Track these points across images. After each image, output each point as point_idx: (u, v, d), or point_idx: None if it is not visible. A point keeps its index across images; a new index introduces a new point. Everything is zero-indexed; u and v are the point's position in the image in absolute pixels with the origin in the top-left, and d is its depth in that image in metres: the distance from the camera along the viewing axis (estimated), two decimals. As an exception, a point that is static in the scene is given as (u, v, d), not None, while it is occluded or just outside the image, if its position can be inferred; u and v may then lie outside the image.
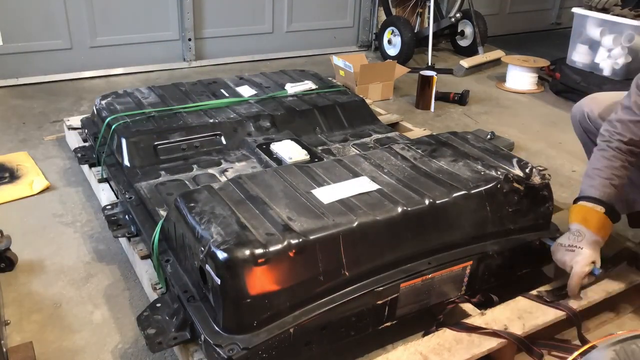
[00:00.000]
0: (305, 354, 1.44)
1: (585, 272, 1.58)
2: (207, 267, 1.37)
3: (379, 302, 1.51)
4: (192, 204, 1.55)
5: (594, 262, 1.59)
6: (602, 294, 1.68)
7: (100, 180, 2.32)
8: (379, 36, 4.74)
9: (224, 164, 2.27)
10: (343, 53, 4.39)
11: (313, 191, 1.62)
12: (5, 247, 1.92)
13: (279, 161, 2.21)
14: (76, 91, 3.72)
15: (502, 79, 4.21)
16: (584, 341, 1.60)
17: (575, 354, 1.20)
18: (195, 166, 2.24)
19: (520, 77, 4.05)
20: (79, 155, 2.50)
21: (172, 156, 2.29)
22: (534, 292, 1.68)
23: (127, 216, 2.02)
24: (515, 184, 1.74)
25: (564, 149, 3.08)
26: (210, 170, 2.21)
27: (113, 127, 2.34)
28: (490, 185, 1.71)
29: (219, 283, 1.33)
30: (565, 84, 3.86)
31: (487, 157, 1.88)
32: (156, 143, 2.29)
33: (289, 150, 2.25)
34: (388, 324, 1.57)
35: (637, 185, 1.86)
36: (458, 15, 4.66)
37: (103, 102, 2.60)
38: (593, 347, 1.13)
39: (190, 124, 2.40)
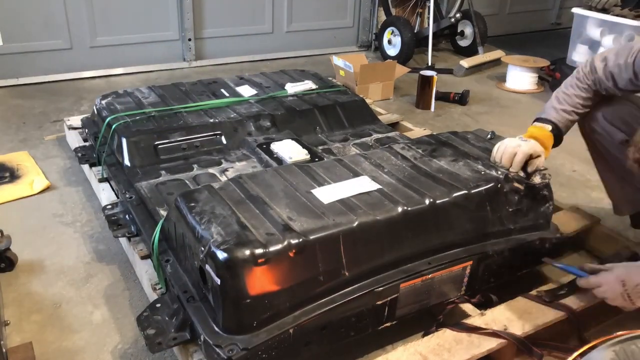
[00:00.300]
0: (305, 354, 1.44)
1: (529, 151, 1.71)
2: (207, 267, 1.37)
3: (379, 303, 1.51)
4: (193, 204, 1.54)
5: (539, 156, 1.73)
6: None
7: (101, 180, 2.32)
8: (379, 36, 4.74)
9: (224, 164, 2.27)
10: (343, 53, 4.39)
11: (313, 191, 1.62)
12: (5, 247, 1.92)
13: (279, 161, 2.21)
14: (76, 91, 3.72)
15: (502, 79, 4.21)
16: (583, 341, 1.59)
17: (575, 354, 1.20)
18: (195, 166, 2.24)
19: (520, 77, 4.05)
20: (79, 154, 2.50)
21: (173, 156, 2.29)
22: (534, 292, 1.68)
23: (127, 216, 2.02)
24: (516, 184, 1.74)
25: (564, 149, 3.05)
26: (211, 170, 2.21)
27: (113, 126, 2.34)
28: (491, 185, 1.71)
29: (219, 283, 1.33)
30: (565, 84, 3.86)
31: (488, 156, 1.87)
32: (156, 143, 2.29)
33: (289, 150, 2.25)
34: (388, 324, 1.57)
35: None
36: (458, 15, 4.66)
37: (103, 101, 2.60)
38: (593, 347, 1.13)
39: (191, 123, 2.40)
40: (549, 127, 1.81)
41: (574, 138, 2.07)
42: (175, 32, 4.19)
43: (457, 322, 1.58)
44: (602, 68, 1.74)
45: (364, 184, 1.66)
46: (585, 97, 1.81)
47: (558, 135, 1.82)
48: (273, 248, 1.36)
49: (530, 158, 1.74)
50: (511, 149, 1.75)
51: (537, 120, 1.86)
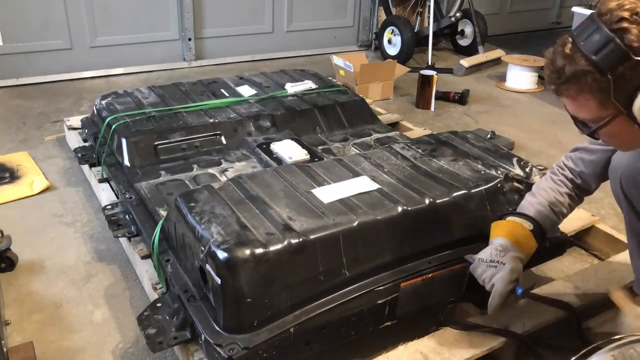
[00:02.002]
0: (305, 354, 1.44)
1: (507, 291, 1.45)
2: (208, 266, 1.37)
3: (379, 302, 1.51)
4: (192, 204, 1.55)
5: (517, 280, 1.46)
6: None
7: (101, 180, 2.32)
8: (379, 36, 4.73)
9: (224, 164, 2.27)
10: (343, 53, 4.38)
11: (313, 191, 1.62)
12: (5, 247, 1.92)
13: (279, 161, 2.21)
14: (76, 91, 3.72)
15: (502, 78, 4.21)
16: (583, 340, 1.59)
17: (573, 359, 1.19)
18: (195, 166, 2.24)
19: (521, 76, 4.05)
20: (79, 155, 2.50)
21: (172, 156, 2.29)
22: (534, 291, 1.68)
23: (127, 216, 2.02)
24: (516, 183, 1.74)
25: (563, 148, 3.07)
26: (211, 170, 2.21)
27: (113, 127, 2.34)
28: (491, 184, 1.71)
29: (219, 283, 1.33)
30: (565, 83, 3.86)
31: (488, 156, 1.88)
32: (156, 143, 2.29)
33: (289, 150, 2.25)
34: (388, 323, 1.57)
35: None
36: (458, 14, 4.65)
37: (103, 102, 2.60)
38: (591, 351, 1.12)
39: (191, 123, 2.40)
40: (529, 226, 1.52)
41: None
42: (175, 32, 4.19)
43: (457, 320, 1.58)
44: (571, 151, 1.61)
45: (364, 184, 1.66)
46: (562, 191, 1.58)
47: (539, 234, 1.54)
48: (273, 248, 1.36)
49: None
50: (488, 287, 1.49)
51: (515, 214, 1.57)
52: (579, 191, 1.59)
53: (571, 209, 1.60)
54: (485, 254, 1.50)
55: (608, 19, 1.11)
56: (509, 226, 1.53)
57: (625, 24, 1.08)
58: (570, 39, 1.16)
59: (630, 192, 1.43)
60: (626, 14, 1.09)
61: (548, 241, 1.81)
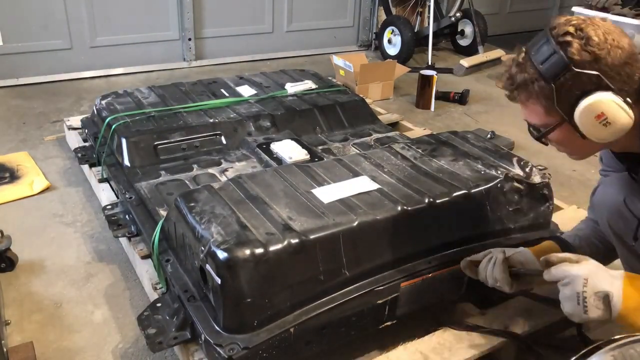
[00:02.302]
0: (305, 354, 1.44)
1: (505, 269, 1.44)
2: (208, 266, 1.37)
3: (379, 302, 1.51)
4: (192, 204, 1.55)
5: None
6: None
7: (101, 180, 2.32)
8: (379, 36, 4.73)
9: (224, 164, 2.27)
10: (343, 53, 4.38)
11: (313, 191, 1.62)
12: (5, 247, 1.92)
13: (279, 161, 2.21)
14: (76, 91, 3.72)
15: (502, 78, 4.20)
16: (584, 340, 1.59)
17: (575, 357, 1.19)
18: (195, 166, 2.24)
19: (521, 76, 4.04)
20: (79, 155, 2.50)
21: (172, 156, 2.29)
22: (534, 291, 1.68)
23: (127, 216, 2.02)
24: (516, 183, 1.74)
25: (564, 148, 3.07)
26: (211, 170, 2.21)
27: (113, 127, 2.34)
28: (491, 184, 1.71)
29: (220, 283, 1.33)
30: (565, 83, 3.86)
31: (487, 156, 1.87)
32: (156, 143, 2.29)
33: (289, 150, 2.25)
34: (388, 323, 1.57)
35: None
36: (458, 14, 4.66)
37: (103, 102, 2.60)
38: (591, 352, 1.12)
39: (191, 123, 2.40)
40: (556, 246, 1.55)
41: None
42: (175, 31, 4.19)
43: (457, 320, 1.58)
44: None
45: (363, 184, 1.66)
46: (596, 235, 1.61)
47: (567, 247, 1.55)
48: (273, 248, 1.36)
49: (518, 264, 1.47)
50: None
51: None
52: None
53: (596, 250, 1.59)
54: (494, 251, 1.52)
55: (556, 32, 1.21)
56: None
57: (568, 38, 1.18)
58: (524, 50, 1.27)
59: (619, 227, 1.47)
60: (571, 29, 1.19)
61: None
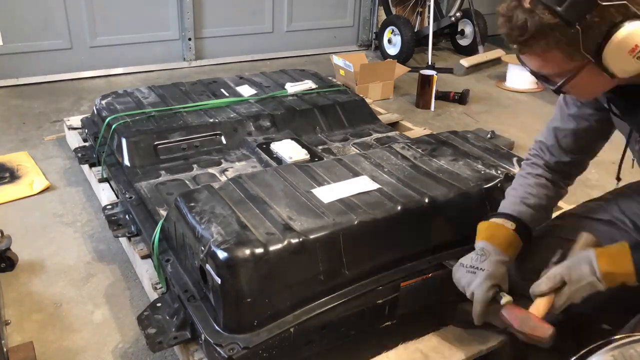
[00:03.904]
0: (305, 354, 1.44)
1: (487, 298, 1.35)
2: (208, 266, 1.37)
3: (379, 302, 1.51)
4: (192, 204, 1.55)
5: (497, 286, 1.37)
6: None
7: (101, 180, 2.32)
8: (379, 35, 4.74)
9: (224, 164, 2.27)
10: (343, 52, 4.39)
11: (313, 190, 1.62)
12: (5, 247, 1.92)
13: (279, 161, 2.21)
14: (76, 91, 3.73)
15: (502, 78, 4.21)
16: (579, 342, 1.59)
17: (575, 357, 1.19)
18: (195, 166, 2.24)
19: (521, 76, 4.04)
20: (79, 155, 2.50)
21: (172, 156, 2.29)
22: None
23: (127, 216, 2.02)
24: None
25: (564, 148, 3.07)
26: (211, 170, 2.21)
27: (113, 126, 2.34)
28: (491, 184, 1.71)
29: (220, 282, 1.33)
30: (565, 83, 3.86)
31: (487, 156, 1.88)
32: (156, 143, 2.29)
33: (289, 150, 2.25)
34: (388, 323, 1.57)
35: None
36: (458, 14, 4.66)
37: (103, 102, 2.60)
38: (597, 348, 1.12)
39: (190, 123, 2.40)
40: (511, 225, 1.44)
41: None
42: (175, 31, 4.19)
43: (458, 319, 1.58)
44: (543, 132, 1.55)
45: (363, 184, 1.66)
46: (532, 182, 1.51)
47: (524, 232, 1.45)
48: (273, 247, 1.36)
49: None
50: (468, 295, 1.40)
51: (496, 215, 1.49)
52: (553, 175, 1.52)
53: (550, 198, 1.52)
54: (466, 259, 1.43)
55: None
56: (490, 228, 1.45)
57: None
58: None
59: None
60: None
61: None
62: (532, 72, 1.20)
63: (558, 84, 1.15)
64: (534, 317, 1.29)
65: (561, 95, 1.43)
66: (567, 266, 1.27)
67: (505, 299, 1.36)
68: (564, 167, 1.53)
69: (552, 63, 1.13)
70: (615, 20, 1.03)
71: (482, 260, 1.39)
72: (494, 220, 1.47)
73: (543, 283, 1.29)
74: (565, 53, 1.09)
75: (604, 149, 1.55)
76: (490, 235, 1.44)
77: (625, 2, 1.02)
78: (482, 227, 1.48)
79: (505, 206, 1.51)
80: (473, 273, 1.39)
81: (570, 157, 1.51)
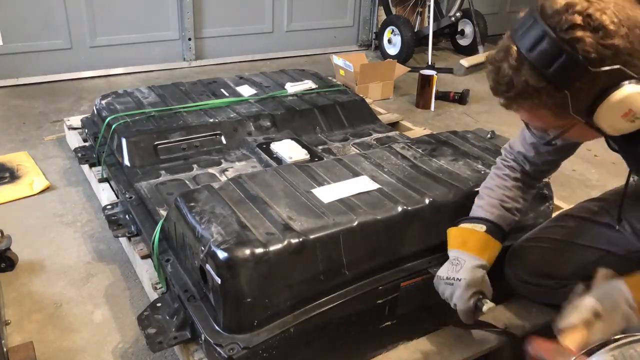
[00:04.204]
0: (305, 353, 1.44)
1: (469, 308, 1.35)
2: (208, 266, 1.37)
3: (379, 302, 1.51)
4: (192, 204, 1.55)
5: (479, 292, 1.36)
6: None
7: (101, 180, 2.32)
8: (379, 35, 4.74)
9: (224, 164, 2.27)
10: (343, 52, 4.39)
11: (313, 190, 1.62)
12: (5, 247, 1.92)
13: (279, 161, 2.21)
14: (76, 91, 3.73)
15: (502, 78, 4.20)
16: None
17: (573, 359, 1.19)
18: (195, 166, 2.24)
19: (521, 76, 4.04)
20: (79, 155, 2.50)
21: (172, 156, 2.29)
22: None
23: (127, 216, 2.02)
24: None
25: (564, 148, 3.07)
26: (211, 170, 2.21)
27: (113, 126, 2.34)
28: (491, 184, 1.70)
29: (220, 282, 1.33)
30: (565, 83, 3.86)
31: (487, 156, 1.87)
32: (156, 143, 2.29)
33: (289, 150, 2.25)
34: (388, 323, 1.57)
35: None
36: (458, 14, 4.66)
37: (103, 102, 2.60)
38: (598, 348, 1.11)
39: (190, 123, 2.40)
40: (481, 227, 1.43)
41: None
42: (175, 31, 4.19)
43: (458, 319, 1.58)
44: (517, 136, 1.52)
45: (363, 184, 1.66)
46: (509, 185, 1.50)
47: (498, 232, 1.44)
48: (273, 247, 1.36)
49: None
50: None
51: (465, 220, 1.49)
52: (530, 179, 1.52)
53: (525, 201, 1.53)
54: (442, 270, 1.42)
55: (556, 23, 0.98)
56: (462, 234, 1.44)
57: (578, 33, 0.96)
58: (514, 46, 1.04)
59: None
60: (578, 20, 0.96)
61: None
62: (525, 122, 1.18)
63: (547, 139, 1.14)
64: (569, 351, 1.18)
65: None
66: (597, 297, 1.19)
67: (487, 305, 1.35)
68: (542, 174, 1.55)
69: (541, 119, 1.11)
70: (607, 85, 0.99)
71: (458, 270, 1.38)
72: (463, 225, 1.47)
73: (572, 316, 1.19)
74: (553, 113, 1.06)
75: (604, 149, 1.54)
76: (462, 243, 1.43)
77: (619, 66, 0.97)
78: (453, 234, 1.47)
79: (482, 208, 1.49)
80: (451, 284, 1.38)
81: (548, 166, 1.52)
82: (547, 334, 1.61)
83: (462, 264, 1.38)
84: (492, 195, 1.50)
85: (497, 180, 1.52)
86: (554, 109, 1.04)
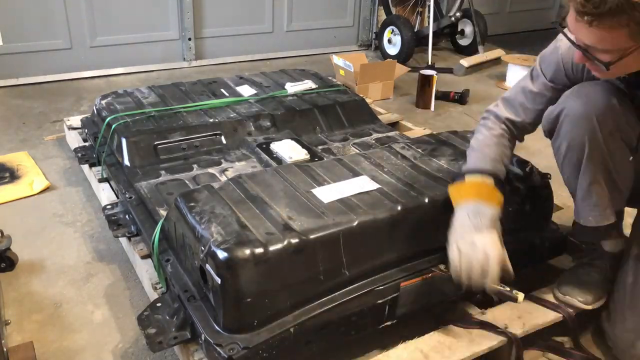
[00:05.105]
0: (305, 353, 1.44)
1: (505, 255, 1.38)
2: (208, 266, 1.37)
3: (379, 302, 1.51)
4: (192, 204, 1.55)
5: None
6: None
7: (101, 180, 2.32)
8: (379, 35, 4.74)
9: (224, 164, 2.27)
10: (343, 52, 4.39)
11: (313, 190, 1.62)
12: (5, 247, 1.92)
13: (279, 160, 2.21)
14: (76, 91, 3.73)
15: (502, 78, 4.21)
16: (578, 346, 1.60)
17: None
18: (195, 166, 2.24)
19: (521, 76, 4.03)
20: (79, 155, 2.50)
21: (172, 156, 2.29)
22: (534, 293, 1.68)
23: (127, 216, 2.02)
24: (515, 183, 1.74)
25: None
26: (211, 170, 2.21)
27: (113, 126, 2.34)
28: (491, 184, 1.70)
29: (220, 282, 1.33)
30: (565, 83, 3.86)
31: (487, 156, 1.87)
32: (156, 143, 2.29)
33: (289, 150, 2.25)
34: (388, 323, 1.57)
35: None
36: (458, 14, 4.66)
37: (103, 101, 2.60)
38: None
39: (191, 123, 2.40)
40: (491, 181, 1.48)
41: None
42: (175, 31, 4.19)
43: (458, 319, 1.58)
44: (500, 106, 1.65)
45: (363, 184, 1.66)
46: (506, 144, 1.59)
47: (499, 186, 1.49)
48: (273, 247, 1.36)
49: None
50: (478, 263, 1.39)
51: (471, 172, 1.52)
52: (516, 138, 1.65)
53: (510, 157, 1.64)
54: (463, 227, 1.42)
55: None
56: (476, 186, 1.47)
57: None
58: None
59: (613, 134, 1.41)
60: None
61: (547, 240, 1.82)
62: (578, 45, 1.17)
63: (609, 61, 1.13)
64: None
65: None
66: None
67: (520, 296, 1.40)
68: (524, 134, 1.67)
69: (614, 40, 1.10)
70: None
71: (485, 219, 1.41)
72: (472, 178, 1.49)
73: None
74: (630, 33, 1.06)
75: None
76: (478, 193, 1.45)
77: None
78: (465, 186, 1.50)
79: (484, 161, 1.53)
80: (479, 232, 1.39)
81: (532, 127, 1.65)
82: (547, 333, 1.62)
83: (486, 216, 1.41)
84: (494, 150, 1.55)
85: (494, 138, 1.58)
86: (635, 28, 1.06)
